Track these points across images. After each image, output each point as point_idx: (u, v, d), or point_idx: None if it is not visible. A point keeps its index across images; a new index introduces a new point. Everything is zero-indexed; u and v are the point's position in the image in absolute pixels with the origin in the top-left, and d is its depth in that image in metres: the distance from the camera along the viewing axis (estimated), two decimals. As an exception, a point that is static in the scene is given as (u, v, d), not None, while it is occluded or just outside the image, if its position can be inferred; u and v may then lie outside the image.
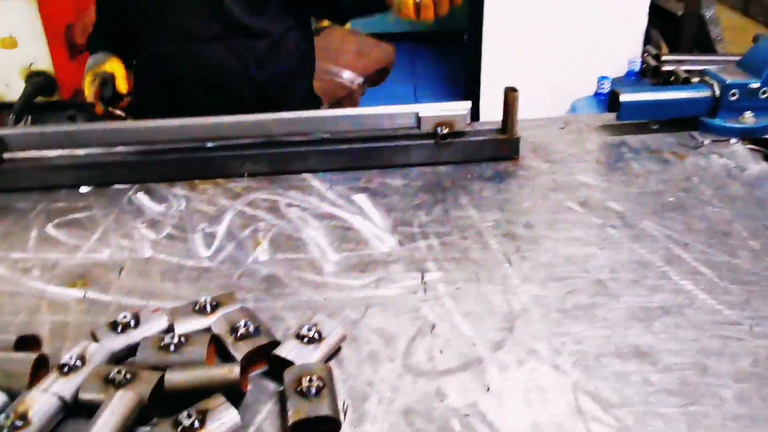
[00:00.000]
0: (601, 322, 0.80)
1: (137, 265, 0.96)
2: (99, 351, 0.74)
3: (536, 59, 3.55)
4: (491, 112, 3.85)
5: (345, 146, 1.19)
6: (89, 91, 1.52)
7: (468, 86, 3.88)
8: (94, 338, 0.78)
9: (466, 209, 1.06)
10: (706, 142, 1.23)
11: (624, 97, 1.24)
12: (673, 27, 3.57)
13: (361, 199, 1.10)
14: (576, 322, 0.80)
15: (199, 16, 1.45)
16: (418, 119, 1.17)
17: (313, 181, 1.17)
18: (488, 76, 3.66)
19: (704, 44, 3.31)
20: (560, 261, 0.92)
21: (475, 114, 3.87)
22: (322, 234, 1.01)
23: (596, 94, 2.99)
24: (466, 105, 1.18)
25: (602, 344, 0.77)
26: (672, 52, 3.43)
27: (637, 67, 3.14)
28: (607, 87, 2.95)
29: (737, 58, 2.06)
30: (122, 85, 1.51)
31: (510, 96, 1.15)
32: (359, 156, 1.20)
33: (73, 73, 2.59)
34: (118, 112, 1.52)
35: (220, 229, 1.03)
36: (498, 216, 1.03)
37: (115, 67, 1.53)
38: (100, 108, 1.51)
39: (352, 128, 1.19)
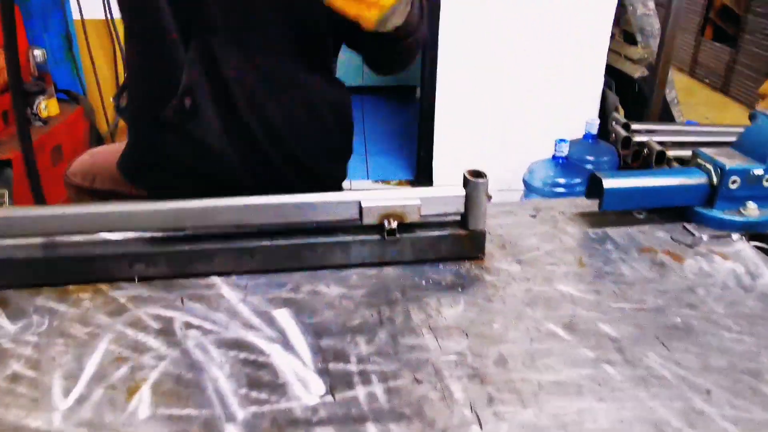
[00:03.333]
0: None
1: (-44, 428, 0.67)
2: None
3: (492, 119, 3.42)
4: (445, 171, 3.69)
5: (266, 242, 0.94)
6: None
7: (421, 143, 3.71)
8: None
9: (420, 334, 0.81)
10: (704, 237, 1.03)
11: (608, 183, 1.04)
12: (628, 88, 3.51)
13: (283, 316, 0.84)
14: None
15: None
16: (360, 210, 0.94)
17: (224, 287, 0.91)
18: (442, 134, 3.51)
19: (660, 107, 3.23)
20: (546, 421, 0.68)
21: (428, 171, 3.70)
22: (225, 374, 0.74)
23: (554, 157, 2.84)
24: (419, 193, 0.95)
25: None
26: (627, 113, 3.35)
27: (594, 129, 3.03)
28: (565, 150, 2.80)
29: (712, 129, 1.92)
30: None
31: (472, 183, 0.93)
32: (284, 254, 0.94)
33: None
34: None
35: (89, 366, 0.76)
36: (462, 345, 0.79)
37: None
38: None
39: (278, 220, 0.94)
